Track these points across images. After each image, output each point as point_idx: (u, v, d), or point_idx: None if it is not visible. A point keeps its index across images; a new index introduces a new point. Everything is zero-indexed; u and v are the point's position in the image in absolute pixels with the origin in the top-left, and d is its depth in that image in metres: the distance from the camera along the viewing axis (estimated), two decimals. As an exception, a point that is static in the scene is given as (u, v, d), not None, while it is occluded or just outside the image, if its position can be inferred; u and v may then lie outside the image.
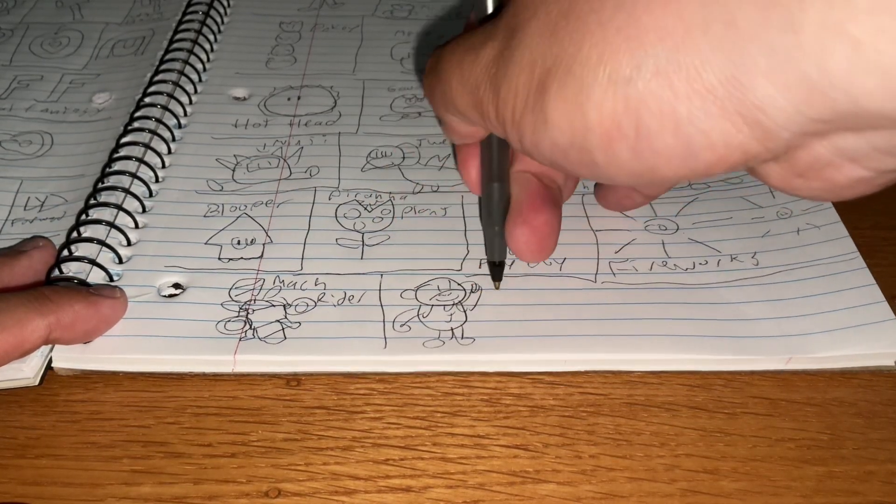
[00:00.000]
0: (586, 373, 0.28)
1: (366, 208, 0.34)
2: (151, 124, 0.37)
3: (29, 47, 0.45)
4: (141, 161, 0.35)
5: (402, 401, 0.27)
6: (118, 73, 0.43)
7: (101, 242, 0.31)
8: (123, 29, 0.47)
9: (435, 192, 0.35)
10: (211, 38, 0.44)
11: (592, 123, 0.19)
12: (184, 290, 0.30)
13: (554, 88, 0.20)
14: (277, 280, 0.31)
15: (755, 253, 0.32)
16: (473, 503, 0.24)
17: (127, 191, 0.33)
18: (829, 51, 0.15)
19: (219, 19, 0.46)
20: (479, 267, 0.31)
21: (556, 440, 0.26)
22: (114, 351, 0.28)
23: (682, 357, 0.28)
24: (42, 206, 0.34)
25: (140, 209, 0.33)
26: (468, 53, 0.23)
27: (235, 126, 0.39)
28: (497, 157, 0.28)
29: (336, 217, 0.34)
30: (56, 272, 0.30)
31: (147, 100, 0.38)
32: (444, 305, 0.30)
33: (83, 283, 0.30)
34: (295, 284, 0.30)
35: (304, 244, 0.32)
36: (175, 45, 0.42)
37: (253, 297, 0.30)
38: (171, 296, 0.30)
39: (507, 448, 0.26)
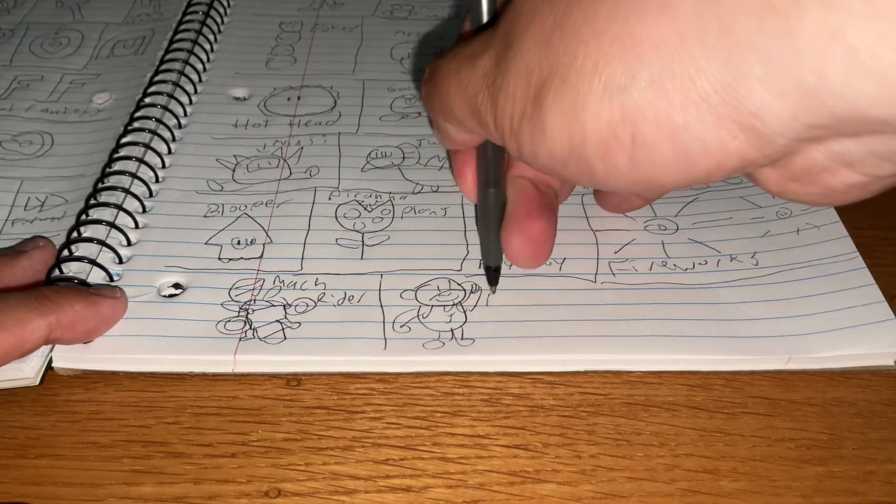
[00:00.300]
0: (586, 373, 0.28)
1: (366, 208, 0.34)
2: (151, 124, 0.37)
3: (29, 47, 0.45)
4: (141, 161, 0.35)
5: (402, 401, 0.27)
6: (118, 73, 0.43)
7: (102, 242, 0.31)
8: (123, 29, 0.47)
9: (435, 192, 0.35)
10: (211, 38, 0.44)
11: (589, 132, 0.19)
12: (184, 290, 0.30)
13: (550, 98, 0.20)
14: (277, 280, 0.31)
15: (755, 253, 0.32)
16: (473, 503, 0.24)
17: (127, 191, 0.33)
18: (827, 57, 0.15)
19: (219, 19, 0.46)
20: (479, 267, 0.31)
21: (556, 440, 0.26)
22: (114, 351, 0.28)
23: (682, 357, 0.28)
24: (42, 206, 0.34)
25: (140, 209, 0.33)
26: (466, 63, 0.23)
27: (235, 126, 0.39)
28: (493, 162, 0.28)
29: (336, 217, 0.34)
30: (56, 272, 0.30)
31: (147, 100, 0.38)
32: (444, 306, 0.30)
33: (83, 283, 0.30)
34: (295, 284, 0.30)
35: (304, 244, 0.32)
36: (175, 46, 0.42)
37: (253, 297, 0.30)
38: (171, 296, 0.30)
39: (507, 448, 0.26)
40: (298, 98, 0.41)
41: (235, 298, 0.30)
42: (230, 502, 0.24)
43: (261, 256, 0.32)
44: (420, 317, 0.29)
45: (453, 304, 0.30)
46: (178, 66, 0.41)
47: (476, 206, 0.30)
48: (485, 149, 0.28)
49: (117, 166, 0.35)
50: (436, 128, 0.27)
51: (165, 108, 0.38)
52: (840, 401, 0.27)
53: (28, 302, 0.26)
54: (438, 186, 0.35)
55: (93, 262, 0.30)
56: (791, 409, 0.27)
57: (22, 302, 0.26)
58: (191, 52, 0.42)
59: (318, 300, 0.30)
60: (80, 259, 0.30)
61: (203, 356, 0.28)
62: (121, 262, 0.31)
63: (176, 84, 0.39)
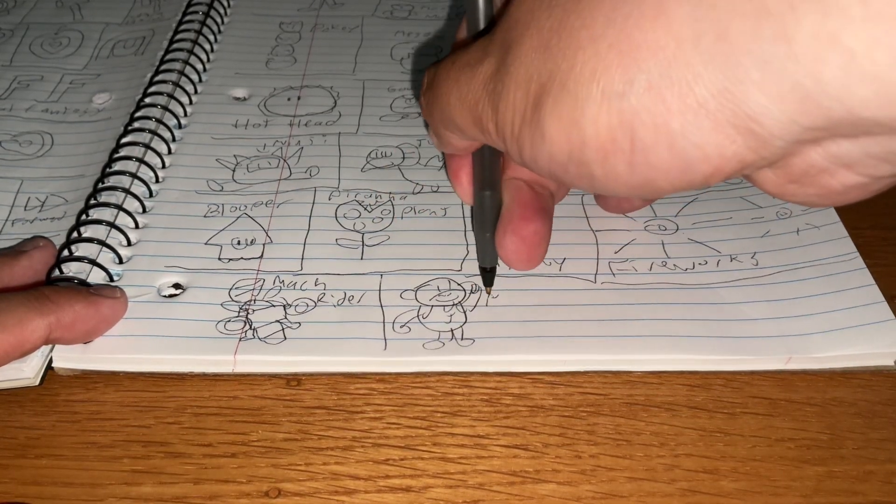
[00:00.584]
0: (586, 373, 0.28)
1: (366, 208, 0.34)
2: (151, 124, 0.37)
3: (29, 47, 0.45)
4: (141, 161, 0.35)
5: (402, 401, 0.27)
6: (118, 73, 0.43)
7: (102, 242, 0.31)
8: (123, 29, 0.47)
9: (435, 192, 0.35)
10: (211, 38, 0.44)
11: (588, 138, 0.19)
12: (184, 290, 0.30)
13: (549, 104, 0.20)
14: (277, 280, 0.31)
15: (755, 253, 0.32)
16: (473, 503, 0.24)
17: (127, 191, 0.33)
18: (824, 60, 0.15)
19: (219, 19, 0.46)
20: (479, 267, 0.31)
21: (556, 440, 0.26)
22: (114, 351, 0.28)
23: (682, 357, 0.28)
24: (42, 206, 0.34)
25: (140, 209, 0.33)
26: (465, 70, 0.23)
27: (235, 126, 0.39)
28: (489, 165, 0.28)
29: (336, 217, 0.34)
30: (56, 272, 0.30)
31: (147, 100, 0.38)
32: (444, 306, 0.30)
33: (83, 283, 0.30)
34: (295, 285, 0.30)
35: (304, 244, 0.32)
36: (175, 46, 0.42)
37: (253, 298, 0.30)
38: (171, 296, 0.30)
39: (507, 448, 0.26)
40: (298, 98, 0.41)
41: (235, 298, 0.30)
42: (230, 502, 0.24)
43: (261, 256, 0.32)
44: (420, 317, 0.29)
45: (453, 305, 0.30)
46: (178, 66, 0.41)
47: (472, 207, 0.30)
48: (481, 152, 0.28)
49: (117, 166, 0.35)
50: (434, 134, 0.27)
51: (165, 108, 0.38)
52: (840, 401, 0.27)
53: (28, 302, 0.26)
54: (438, 186, 0.35)
55: (93, 262, 0.30)
56: (791, 409, 0.27)
57: (22, 302, 0.26)
58: (191, 52, 0.42)
59: (318, 300, 0.30)
60: (80, 259, 0.30)
61: (203, 356, 0.28)
62: (121, 262, 0.31)
63: (176, 84, 0.39)
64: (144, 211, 0.33)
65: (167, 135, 0.37)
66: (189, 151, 0.37)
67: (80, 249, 0.31)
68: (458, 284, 0.30)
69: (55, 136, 0.39)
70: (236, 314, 0.29)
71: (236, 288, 0.30)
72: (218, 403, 0.27)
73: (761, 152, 0.18)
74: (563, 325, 0.29)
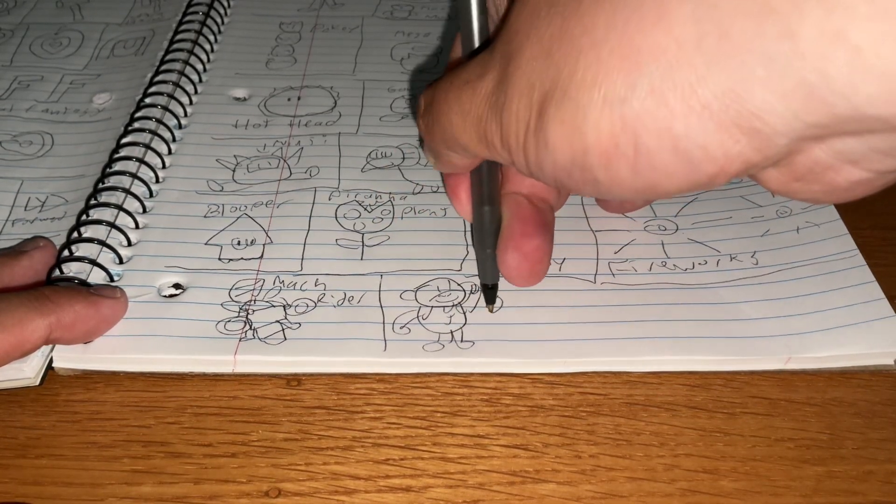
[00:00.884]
0: (586, 373, 0.28)
1: (366, 209, 0.34)
2: (151, 125, 0.37)
3: (29, 48, 0.45)
4: (141, 161, 0.35)
5: (402, 401, 0.27)
6: (118, 73, 0.43)
7: (102, 243, 0.31)
8: (123, 29, 0.47)
9: (435, 192, 0.35)
10: (211, 38, 0.44)
11: (591, 144, 0.19)
12: (184, 290, 0.30)
13: (552, 111, 0.20)
14: (277, 280, 0.31)
15: (755, 252, 0.32)
16: (473, 503, 0.24)
17: (127, 191, 0.33)
18: (829, 57, 0.15)
19: (219, 19, 0.46)
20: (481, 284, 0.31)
21: (555, 440, 0.26)
22: (114, 351, 0.28)
23: (682, 357, 0.28)
24: (42, 206, 0.34)
25: (140, 209, 0.33)
26: (465, 88, 0.23)
27: (235, 126, 0.39)
28: (487, 180, 0.28)
29: (336, 217, 0.34)
30: (56, 272, 0.30)
31: (147, 100, 0.38)
32: (444, 307, 0.30)
33: (84, 284, 0.30)
34: (295, 285, 0.30)
35: (304, 244, 0.32)
36: (175, 46, 0.42)
37: (253, 298, 0.30)
38: (171, 296, 0.30)
39: (507, 448, 0.26)
40: (298, 98, 0.41)
41: (235, 299, 0.30)
42: (230, 502, 0.24)
43: (261, 257, 0.32)
44: (420, 318, 0.29)
45: (453, 305, 0.30)
46: (178, 66, 0.41)
47: (471, 224, 0.30)
48: (479, 168, 0.28)
49: (117, 166, 0.35)
50: (432, 155, 0.27)
51: (165, 108, 0.38)
52: (840, 401, 0.27)
53: (28, 302, 0.26)
54: (438, 187, 0.35)
55: (93, 263, 0.30)
56: (791, 409, 0.27)
57: (22, 302, 0.26)
58: (191, 52, 0.42)
59: (318, 301, 0.30)
60: (80, 259, 0.30)
61: (203, 356, 0.28)
62: (121, 262, 0.31)
63: (176, 84, 0.39)
64: (144, 211, 0.33)
65: (167, 135, 0.37)
66: (189, 151, 0.37)
67: (81, 249, 0.31)
68: (458, 285, 0.30)
69: (55, 136, 0.39)
70: (236, 314, 0.29)
71: (236, 288, 0.30)
72: (218, 403, 0.27)
73: (766, 151, 0.18)
74: (562, 325, 0.29)
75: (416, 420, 0.27)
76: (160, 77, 0.40)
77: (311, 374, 0.28)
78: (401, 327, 0.29)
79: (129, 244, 0.32)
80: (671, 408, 0.27)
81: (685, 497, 0.24)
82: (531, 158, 0.22)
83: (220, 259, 0.31)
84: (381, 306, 0.30)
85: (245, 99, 0.41)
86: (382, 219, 0.34)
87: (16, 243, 0.31)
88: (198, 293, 0.30)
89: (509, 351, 0.28)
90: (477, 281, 0.31)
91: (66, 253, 0.31)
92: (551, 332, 0.29)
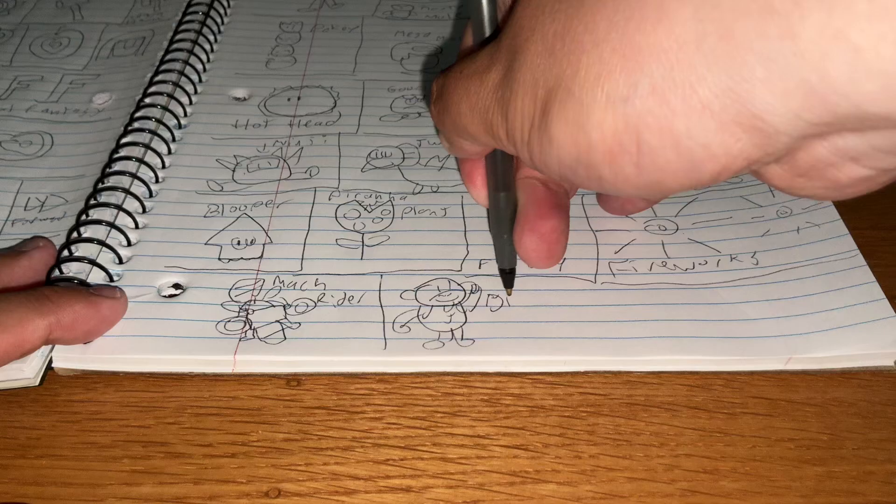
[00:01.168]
0: (586, 373, 0.28)
1: (366, 209, 0.34)
2: (151, 125, 0.37)
3: (29, 48, 0.45)
4: (141, 161, 0.35)
5: (402, 401, 0.27)
6: (118, 73, 0.43)
7: (102, 243, 0.31)
8: (123, 29, 0.47)
9: (435, 192, 0.35)
10: (211, 38, 0.44)
11: (594, 141, 0.20)
12: (184, 290, 0.30)
13: (556, 109, 0.20)
14: (277, 280, 0.31)
15: (755, 252, 0.32)
16: (473, 503, 0.24)
17: (127, 191, 0.33)
18: (830, 57, 0.15)
19: (219, 19, 0.46)
20: (479, 268, 0.31)
21: (556, 440, 0.26)
22: (114, 351, 0.28)
23: (682, 357, 0.28)
24: (42, 206, 0.34)
25: (140, 209, 0.33)
26: (474, 79, 0.23)
27: (235, 126, 0.39)
28: (501, 167, 0.28)
29: (336, 217, 0.34)
30: (56, 272, 0.30)
31: (147, 100, 0.38)
32: (444, 306, 0.30)
33: (83, 284, 0.30)
34: (295, 285, 0.30)
35: (304, 244, 0.32)
36: (175, 46, 0.42)
37: (253, 298, 0.30)
38: (171, 296, 0.30)
39: (507, 448, 0.26)
40: (298, 98, 0.41)
41: (235, 299, 0.30)
42: (230, 502, 0.24)
43: (261, 257, 0.32)
44: (420, 317, 0.29)
45: (453, 305, 0.30)
46: (178, 66, 0.41)
47: (487, 209, 0.31)
48: (493, 154, 0.28)
49: (117, 166, 0.35)
50: (446, 141, 0.28)
51: (165, 108, 0.38)
52: (840, 401, 0.27)
53: (28, 302, 0.26)
54: (438, 187, 0.35)
55: (93, 263, 0.30)
56: (791, 410, 0.27)
57: (22, 302, 0.26)
58: (191, 52, 0.42)
59: (318, 300, 0.30)
60: (80, 259, 0.30)
61: (203, 356, 0.28)
62: (121, 262, 0.31)
63: (176, 84, 0.39)
64: (144, 211, 0.33)
65: (167, 135, 0.37)
66: (189, 151, 0.37)
67: (80, 249, 0.31)
68: (458, 284, 0.30)
69: (55, 136, 0.39)
70: (236, 314, 0.29)
71: (236, 288, 0.30)
72: (218, 403, 0.27)
73: (767, 149, 0.18)
74: (563, 325, 0.29)
75: (416, 420, 0.27)
76: (160, 77, 0.40)
77: (311, 374, 0.28)
78: (401, 326, 0.29)
79: (129, 244, 0.32)
80: (671, 408, 0.27)
81: (685, 497, 0.24)
82: (536, 154, 0.22)
83: (219, 259, 0.31)
84: (381, 306, 0.30)
85: (245, 99, 0.41)
86: (382, 219, 0.34)
87: (15, 243, 0.31)
88: (197, 293, 0.30)
89: (510, 349, 0.28)
90: (477, 281, 0.31)
91: (65, 253, 0.31)
92: (552, 330, 0.29)
